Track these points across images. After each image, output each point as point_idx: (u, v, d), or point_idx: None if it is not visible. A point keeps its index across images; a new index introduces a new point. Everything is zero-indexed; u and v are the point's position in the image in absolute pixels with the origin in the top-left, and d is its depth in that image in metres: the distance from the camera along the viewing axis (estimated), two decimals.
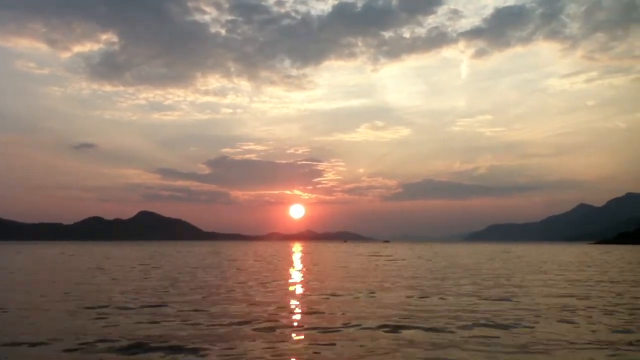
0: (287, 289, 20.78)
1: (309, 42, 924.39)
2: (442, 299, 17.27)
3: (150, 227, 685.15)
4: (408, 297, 17.78)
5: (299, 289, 20.84)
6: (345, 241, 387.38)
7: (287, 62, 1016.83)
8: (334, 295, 18.43)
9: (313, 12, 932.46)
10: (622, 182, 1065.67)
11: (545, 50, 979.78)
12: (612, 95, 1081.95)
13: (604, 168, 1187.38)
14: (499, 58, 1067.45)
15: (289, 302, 16.69)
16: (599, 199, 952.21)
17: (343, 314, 13.81)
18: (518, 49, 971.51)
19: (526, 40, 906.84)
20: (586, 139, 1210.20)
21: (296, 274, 29.76)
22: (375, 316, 13.34)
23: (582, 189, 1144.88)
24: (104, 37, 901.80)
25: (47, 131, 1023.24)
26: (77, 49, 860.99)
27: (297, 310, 14.74)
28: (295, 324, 12.38)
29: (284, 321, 12.66)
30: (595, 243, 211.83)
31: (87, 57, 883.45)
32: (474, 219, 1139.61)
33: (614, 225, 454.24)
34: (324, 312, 14.09)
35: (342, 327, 11.72)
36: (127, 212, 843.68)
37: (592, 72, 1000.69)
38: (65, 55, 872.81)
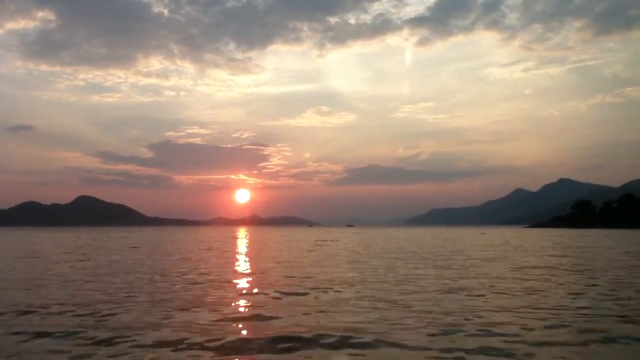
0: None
1: (255, 25, 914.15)
2: None
3: (90, 212, 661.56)
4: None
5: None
6: (310, 225, 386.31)
7: (232, 45, 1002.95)
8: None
9: None
10: (556, 167, 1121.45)
11: (485, 39, 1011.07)
12: (548, 85, 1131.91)
13: (539, 154, 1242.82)
14: (441, 46, 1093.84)
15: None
16: (534, 184, 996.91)
17: None
18: (460, 38, 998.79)
19: (468, 29, 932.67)
20: (523, 126, 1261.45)
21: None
22: None
23: (519, 175, 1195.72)
24: (39, 14, 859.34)
25: None
26: (10, 25, 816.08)
27: None
28: None
29: None
30: (530, 226, 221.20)
31: (22, 34, 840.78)
32: (416, 204, 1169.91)
33: (547, 209, 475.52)
34: None
35: None
36: (66, 196, 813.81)
37: (530, 62, 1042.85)
38: None
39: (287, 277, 19.71)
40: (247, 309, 12.64)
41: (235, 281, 18.72)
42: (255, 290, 16.11)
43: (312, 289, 16.03)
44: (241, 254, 37.37)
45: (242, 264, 27.10)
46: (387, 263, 26.28)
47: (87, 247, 47.35)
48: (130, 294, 14.89)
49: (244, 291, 16.14)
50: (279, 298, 14.35)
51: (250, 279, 19.69)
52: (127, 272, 21.51)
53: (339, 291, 15.48)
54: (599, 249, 40.97)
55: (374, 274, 20.45)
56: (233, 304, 13.50)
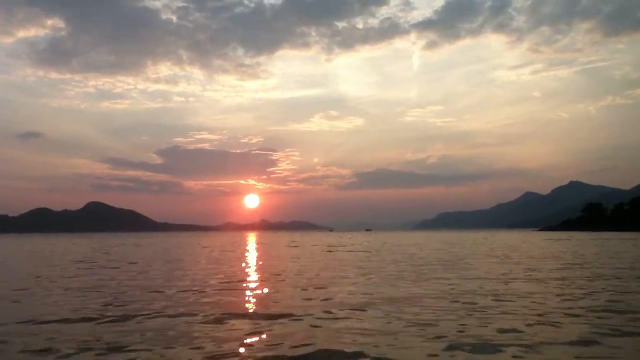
0: None
1: (263, 31, 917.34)
2: None
3: (100, 218, 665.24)
4: None
5: None
6: (331, 230, 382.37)
7: (240, 51, 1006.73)
8: None
9: (266, 1, 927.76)
10: (565, 170, 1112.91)
11: (493, 42, 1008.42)
12: (556, 87, 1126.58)
13: (549, 157, 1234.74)
14: (449, 50, 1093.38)
15: None
16: (544, 187, 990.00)
17: None
18: (467, 41, 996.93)
19: (475, 32, 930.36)
20: (532, 129, 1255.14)
21: None
22: None
23: (528, 178, 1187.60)
24: (49, 22, 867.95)
25: None
26: (21, 34, 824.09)
27: None
28: None
29: None
30: (540, 230, 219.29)
31: (32, 42, 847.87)
32: (425, 207, 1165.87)
33: (558, 212, 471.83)
34: None
35: None
36: (76, 203, 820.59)
37: (538, 64, 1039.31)
38: (8, 40, 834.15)
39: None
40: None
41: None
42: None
43: None
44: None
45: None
46: None
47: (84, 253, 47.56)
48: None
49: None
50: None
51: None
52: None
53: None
54: None
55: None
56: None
